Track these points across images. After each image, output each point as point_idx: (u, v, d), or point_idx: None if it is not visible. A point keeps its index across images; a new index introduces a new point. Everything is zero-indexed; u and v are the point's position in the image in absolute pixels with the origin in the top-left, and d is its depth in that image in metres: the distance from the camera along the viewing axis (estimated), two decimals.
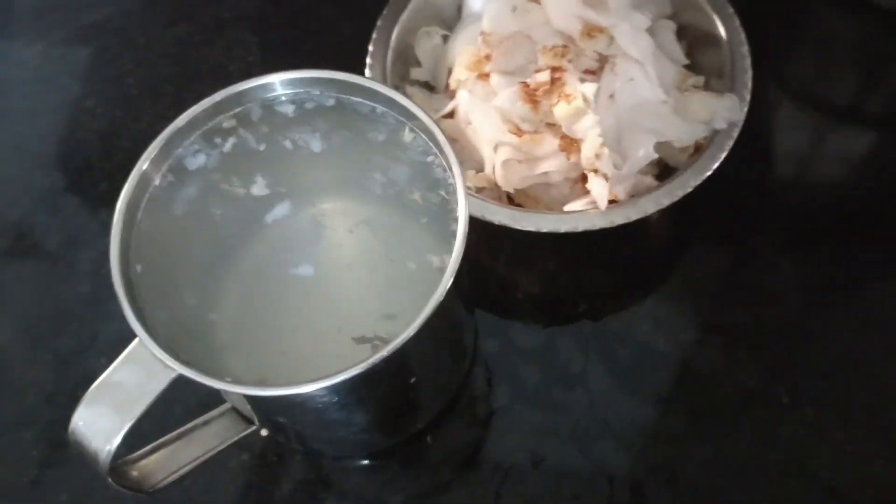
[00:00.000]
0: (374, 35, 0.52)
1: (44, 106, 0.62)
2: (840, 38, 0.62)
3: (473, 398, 0.51)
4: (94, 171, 0.59)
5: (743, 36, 0.51)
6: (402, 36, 0.53)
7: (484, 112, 0.48)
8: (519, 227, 0.45)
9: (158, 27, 0.65)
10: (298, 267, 0.42)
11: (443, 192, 0.41)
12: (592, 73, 0.47)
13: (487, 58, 0.48)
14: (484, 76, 0.48)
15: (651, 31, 0.50)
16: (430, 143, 0.41)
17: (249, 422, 0.45)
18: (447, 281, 0.36)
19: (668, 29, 0.53)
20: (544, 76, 0.46)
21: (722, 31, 0.51)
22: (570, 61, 0.46)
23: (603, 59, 0.49)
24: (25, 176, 0.59)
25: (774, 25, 0.61)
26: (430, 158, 0.41)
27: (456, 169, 0.39)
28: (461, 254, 0.37)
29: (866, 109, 0.61)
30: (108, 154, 0.60)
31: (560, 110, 0.44)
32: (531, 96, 0.46)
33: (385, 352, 0.35)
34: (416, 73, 0.54)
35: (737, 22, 0.51)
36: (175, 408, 0.48)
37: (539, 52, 0.47)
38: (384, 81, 0.50)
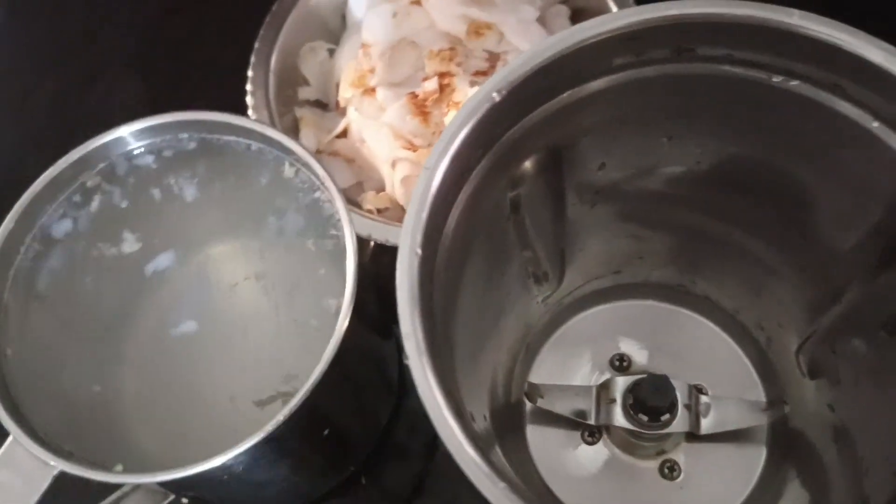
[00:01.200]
0: (253, 58, 0.49)
1: None
2: None
3: (410, 430, 0.49)
4: None
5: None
6: (283, 56, 0.50)
7: (375, 130, 0.45)
8: None
9: (28, 83, 0.61)
10: (185, 326, 0.39)
11: (335, 231, 0.38)
12: (484, 74, 0.44)
13: (371, 71, 0.45)
14: (370, 91, 0.45)
15: (542, 21, 0.48)
16: (313, 177, 0.38)
17: (165, 493, 0.42)
18: (341, 327, 0.34)
19: (562, 16, 0.50)
20: (432, 84, 0.43)
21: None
22: (458, 64, 0.43)
23: (494, 58, 0.46)
24: None
25: None
26: (317, 194, 0.38)
27: (340, 204, 0.36)
28: (353, 297, 0.34)
29: None
30: None
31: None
32: (421, 108, 0.43)
33: (279, 417, 0.32)
34: (304, 93, 0.51)
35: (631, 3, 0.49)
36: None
37: (425, 58, 0.44)
38: (268, 106, 0.47)
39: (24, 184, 0.56)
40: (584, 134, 0.33)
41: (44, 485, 0.33)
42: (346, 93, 0.46)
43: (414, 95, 0.44)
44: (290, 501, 0.46)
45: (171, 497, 0.42)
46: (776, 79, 0.30)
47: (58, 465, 0.33)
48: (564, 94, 0.31)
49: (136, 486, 0.42)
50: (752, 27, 0.28)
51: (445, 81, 0.44)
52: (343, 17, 0.53)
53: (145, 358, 0.40)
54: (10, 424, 0.33)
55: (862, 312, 0.34)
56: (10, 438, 0.34)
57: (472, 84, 0.44)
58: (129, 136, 0.39)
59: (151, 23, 0.62)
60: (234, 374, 0.38)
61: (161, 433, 0.38)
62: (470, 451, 0.24)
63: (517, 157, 0.31)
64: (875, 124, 0.29)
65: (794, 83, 0.30)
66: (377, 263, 0.43)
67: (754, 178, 0.35)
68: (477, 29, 0.46)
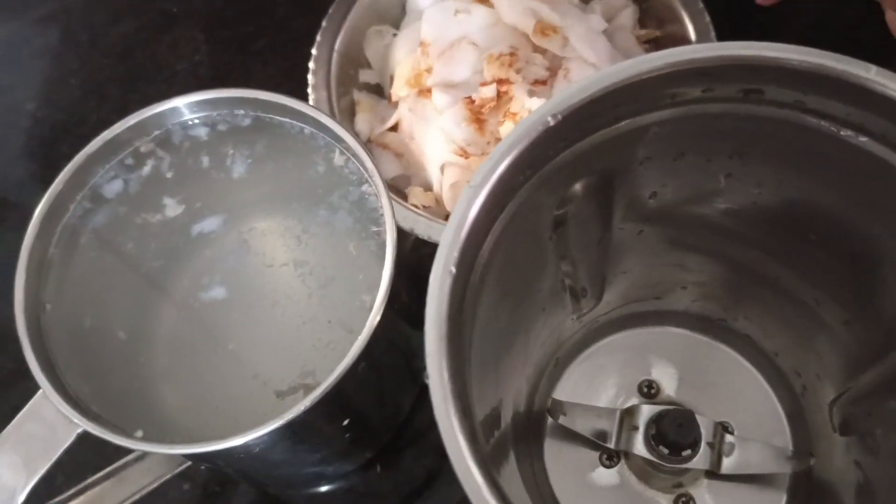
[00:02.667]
0: (319, 38, 0.48)
1: None
2: (830, 26, 0.58)
3: (428, 423, 0.49)
4: (37, 181, 0.56)
5: (713, 34, 0.47)
6: (349, 36, 0.49)
7: (428, 132, 0.44)
8: None
9: (103, 23, 0.61)
10: (215, 291, 0.40)
11: (376, 228, 0.38)
12: (543, 84, 0.43)
13: (428, 71, 0.44)
14: (426, 91, 0.44)
15: (608, 34, 0.47)
16: (362, 169, 0.38)
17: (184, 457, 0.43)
18: (372, 323, 0.34)
19: (626, 30, 0.49)
20: (490, 91, 0.42)
21: (691, 31, 0.47)
22: (518, 71, 0.42)
23: (554, 67, 0.45)
24: None
25: (760, 15, 0.57)
26: (364, 187, 0.38)
27: (385, 201, 0.36)
28: (387, 295, 0.34)
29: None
30: (51, 163, 0.56)
31: (507, 131, 0.41)
32: (477, 114, 0.42)
33: (300, 407, 0.32)
34: (365, 76, 0.50)
35: (707, 18, 0.47)
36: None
37: (485, 61, 0.43)
38: (328, 86, 0.47)
39: (83, 131, 0.58)
40: (640, 162, 0.32)
41: (68, 440, 0.34)
42: (400, 90, 0.46)
43: (471, 101, 0.44)
44: (304, 482, 0.46)
45: (188, 463, 0.43)
46: (845, 132, 0.29)
47: (82, 424, 0.33)
48: (623, 123, 0.30)
49: None
50: (827, 78, 0.27)
51: (504, 89, 0.43)
52: (403, 7, 0.52)
53: (175, 319, 0.40)
54: (41, 379, 0.34)
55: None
56: (39, 392, 0.35)
57: (531, 94, 0.43)
58: (185, 107, 0.39)
59: None
60: (258, 352, 0.39)
61: (184, 399, 0.39)
62: (478, 477, 0.24)
63: (567, 179, 0.31)
64: None
65: (864, 139, 0.29)
66: (416, 252, 0.43)
67: (814, 226, 0.34)
68: (543, 29, 0.45)
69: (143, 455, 0.42)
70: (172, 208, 0.40)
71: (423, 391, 0.48)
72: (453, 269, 0.25)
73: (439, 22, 0.44)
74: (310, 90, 0.46)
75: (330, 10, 0.50)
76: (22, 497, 0.34)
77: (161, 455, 0.42)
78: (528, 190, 0.29)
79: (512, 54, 0.43)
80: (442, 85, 0.43)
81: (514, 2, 0.45)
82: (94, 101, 0.59)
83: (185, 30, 0.60)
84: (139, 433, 0.35)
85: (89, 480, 0.41)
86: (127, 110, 0.57)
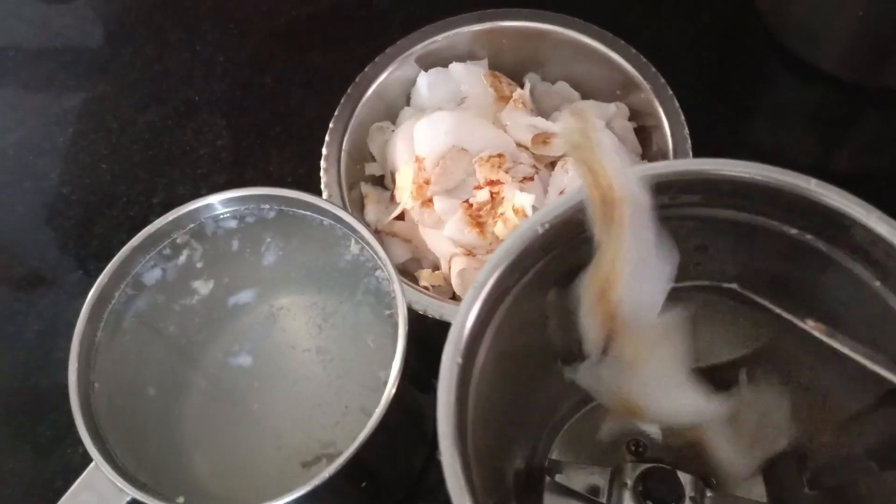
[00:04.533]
0: (328, 137, 0.54)
1: (22, 194, 0.64)
2: (794, 105, 0.63)
3: (437, 480, 0.52)
4: (70, 260, 0.61)
5: (682, 117, 0.52)
6: (355, 132, 0.54)
7: (434, 236, 0.49)
8: None
9: (131, 111, 0.67)
10: (242, 359, 0.44)
11: (389, 311, 0.42)
12: (530, 180, 0.48)
13: (427, 182, 0.49)
14: (428, 202, 0.49)
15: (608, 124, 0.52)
16: (375, 257, 0.43)
17: None
18: (388, 395, 0.38)
19: (623, 119, 0.54)
20: (484, 195, 0.47)
21: (662, 116, 0.52)
22: (507, 171, 0.48)
23: (540, 161, 0.50)
24: (4, 265, 0.61)
25: (727, 96, 0.63)
26: (377, 273, 0.43)
27: (396, 287, 0.40)
28: (400, 372, 0.39)
29: (828, 170, 0.62)
30: (84, 242, 0.61)
31: (500, 231, 0.46)
32: (476, 218, 0.47)
33: (325, 474, 0.37)
34: (370, 168, 0.56)
35: (676, 104, 0.52)
36: None
37: (476, 164, 0.48)
38: (339, 182, 0.52)
39: (113, 212, 0.62)
40: None
41: None
42: (406, 202, 0.50)
43: (469, 205, 0.48)
44: None
45: None
46: (792, 230, 0.34)
47: (131, 492, 0.38)
48: None
49: None
50: (773, 189, 0.32)
51: (495, 189, 0.48)
52: (407, 100, 0.58)
53: (206, 386, 0.44)
54: (93, 452, 0.38)
55: (855, 444, 0.37)
56: (92, 464, 0.39)
57: (522, 190, 0.48)
58: (218, 203, 0.44)
59: (243, 71, 0.68)
60: (280, 424, 0.43)
61: (214, 467, 0.43)
62: None
63: (559, 268, 0.35)
64: (877, 284, 0.32)
65: (809, 237, 0.33)
66: (424, 324, 0.47)
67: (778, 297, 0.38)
68: (544, 139, 0.50)
69: None
70: (206, 287, 0.45)
71: (433, 449, 0.52)
72: (460, 361, 0.30)
73: (430, 137, 0.49)
74: (323, 187, 0.51)
75: (336, 112, 0.55)
76: None
77: None
78: (521, 287, 0.34)
79: (500, 156, 0.48)
80: (441, 192, 0.48)
81: (517, 120, 0.51)
82: (123, 184, 0.64)
83: (207, 116, 0.66)
84: (181, 499, 0.39)
85: None
86: (155, 192, 0.63)
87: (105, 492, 0.38)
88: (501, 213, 0.46)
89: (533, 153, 0.51)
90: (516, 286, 0.33)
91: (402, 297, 0.40)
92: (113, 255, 0.56)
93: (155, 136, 0.66)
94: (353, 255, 0.44)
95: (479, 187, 0.48)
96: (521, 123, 0.50)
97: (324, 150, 0.53)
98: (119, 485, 0.38)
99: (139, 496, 0.37)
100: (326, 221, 0.44)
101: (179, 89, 0.67)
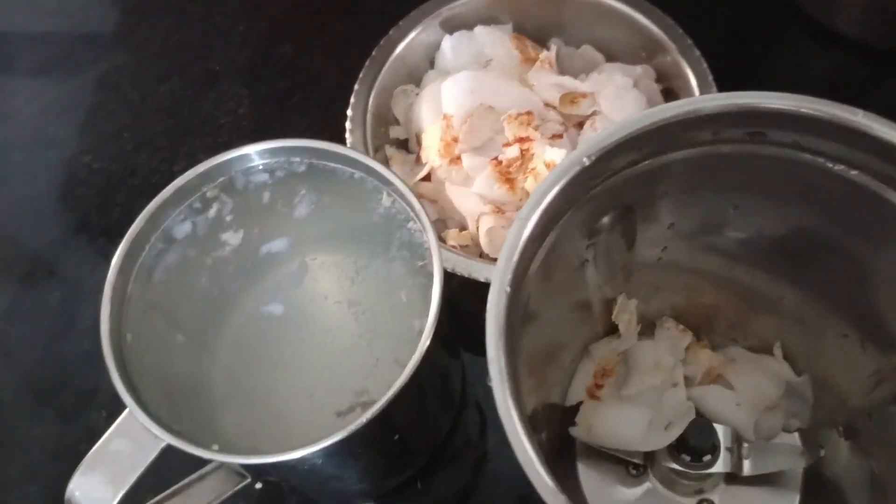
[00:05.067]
0: (353, 99, 0.53)
1: (43, 164, 0.64)
2: (811, 70, 0.63)
3: (465, 442, 0.52)
4: (93, 228, 0.61)
5: (710, 77, 0.51)
6: (379, 96, 0.54)
7: (462, 194, 0.49)
8: None
9: (152, 82, 0.66)
10: (274, 307, 0.43)
11: (422, 262, 0.42)
12: (560, 137, 0.48)
13: (455, 140, 0.49)
14: (456, 160, 0.49)
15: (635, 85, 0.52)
16: (408, 208, 0.42)
17: (243, 476, 0.47)
18: (423, 346, 0.38)
19: (649, 80, 0.54)
20: (514, 151, 0.47)
21: (690, 76, 0.52)
22: (535, 128, 0.47)
23: (568, 120, 0.50)
24: (26, 235, 0.61)
25: (746, 61, 0.63)
26: (410, 225, 0.43)
27: (431, 236, 0.40)
28: (436, 321, 0.38)
29: None
30: (106, 210, 0.61)
31: (531, 185, 0.46)
32: (505, 175, 0.47)
33: (362, 419, 0.36)
34: (394, 132, 0.55)
35: (704, 65, 0.52)
36: (173, 460, 0.49)
37: (504, 122, 0.48)
38: (365, 144, 0.51)
39: (134, 181, 0.62)
40: (660, 197, 0.36)
41: (153, 454, 0.37)
42: (433, 160, 0.50)
43: (498, 162, 0.48)
44: (352, 497, 0.50)
45: (248, 480, 0.47)
46: (838, 167, 0.33)
47: (166, 438, 0.37)
48: (645, 162, 0.34)
49: (219, 467, 0.47)
50: (820, 121, 0.32)
51: (525, 146, 0.47)
52: (430, 64, 0.57)
53: (237, 336, 0.44)
54: (127, 399, 0.38)
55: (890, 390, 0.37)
56: (125, 412, 0.38)
57: (551, 146, 0.47)
58: (250, 155, 0.43)
59: (262, 40, 0.67)
60: (311, 374, 0.42)
61: (246, 417, 0.43)
62: (539, 467, 0.28)
63: (597, 212, 0.35)
64: None
65: (854, 172, 0.33)
66: (449, 288, 0.47)
67: (813, 250, 0.38)
68: (572, 99, 0.50)
69: (206, 474, 0.46)
70: (236, 238, 0.45)
71: (459, 414, 0.52)
72: (508, 289, 0.30)
73: (457, 95, 0.49)
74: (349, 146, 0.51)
75: (361, 74, 0.54)
76: None
77: (224, 473, 0.46)
78: (566, 222, 0.33)
79: (529, 113, 0.48)
80: (469, 150, 0.48)
81: (544, 79, 0.51)
82: (144, 153, 0.63)
83: (227, 86, 0.65)
84: (215, 447, 0.39)
85: (158, 497, 0.44)
86: (176, 161, 0.63)
87: (140, 438, 0.38)
88: (532, 169, 0.46)
89: (561, 112, 0.50)
90: (562, 219, 0.33)
91: (436, 247, 0.40)
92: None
93: (176, 105, 0.65)
94: (385, 209, 0.43)
95: (507, 144, 0.47)
96: (549, 83, 0.50)
97: (349, 112, 0.52)
98: (154, 431, 0.37)
99: (175, 442, 0.37)
100: (358, 174, 0.44)
101: (199, 59, 0.67)
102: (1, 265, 0.61)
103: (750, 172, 0.35)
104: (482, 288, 0.53)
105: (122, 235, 0.59)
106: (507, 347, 0.29)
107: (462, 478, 0.51)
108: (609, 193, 0.35)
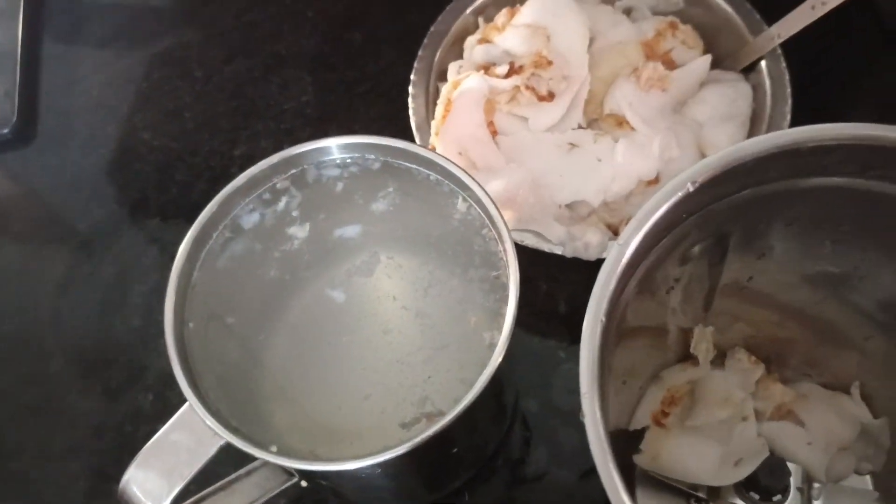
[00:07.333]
0: (413, 77, 0.55)
1: (103, 135, 0.63)
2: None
3: (511, 458, 0.51)
4: (149, 205, 0.60)
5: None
6: (439, 75, 0.55)
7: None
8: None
9: (217, 61, 0.65)
10: (336, 293, 0.42)
11: (495, 272, 0.40)
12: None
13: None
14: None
15: None
16: (483, 215, 0.41)
17: (290, 474, 0.46)
18: (496, 360, 0.36)
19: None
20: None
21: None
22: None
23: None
24: (82, 207, 0.61)
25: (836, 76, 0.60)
26: (484, 231, 0.41)
27: (508, 245, 0.39)
28: (510, 334, 0.37)
29: None
30: (163, 188, 0.60)
31: None
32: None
33: (430, 431, 0.35)
34: None
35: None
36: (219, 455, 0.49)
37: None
38: (426, 117, 0.52)
39: (194, 160, 0.61)
40: (759, 226, 0.35)
41: (211, 451, 0.36)
42: None
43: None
44: None
45: (295, 479, 0.46)
46: None
47: (225, 436, 0.36)
48: (747, 191, 0.33)
49: (264, 464, 0.46)
50: None
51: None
52: None
53: (296, 324, 0.42)
54: (188, 393, 0.37)
55: None
56: (186, 405, 0.37)
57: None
58: (330, 147, 0.42)
59: (332, 28, 0.66)
60: (368, 374, 0.41)
61: (294, 415, 0.41)
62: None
63: (692, 239, 0.34)
64: None
65: None
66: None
67: None
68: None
69: (253, 470, 0.45)
70: (303, 231, 0.43)
71: (511, 427, 0.51)
72: (603, 319, 0.28)
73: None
74: (414, 130, 0.52)
75: (420, 52, 0.56)
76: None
77: (270, 469, 0.45)
78: (661, 248, 0.32)
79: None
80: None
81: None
82: (205, 133, 0.63)
83: (293, 71, 0.64)
84: (274, 448, 0.38)
85: (206, 491, 0.43)
86: (237, 144, 0.62)
87: (199, 434, 0.37)
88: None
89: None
90: (657, 246, 0.31)
91: (514, 258, 0.38)
92: (191, 203, 0.56)
93: (239, 87, 0.64)
94: (461, 214, 0.42)
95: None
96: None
97: (410, 89, 0.54)
98: (214, 427, 0.36)
99: (235, 441, 0.36)
100: (434, 176, 0.42)
101: (267, 42, 0.66)
102: (56, 235, 0.60)
103: (856, 208, 0.34)
104: (543, 296, 0.53)
105: (178, 215, 0.59)
106: (601, 381, 0.27)
107: (507, 493, 0.50)
108: (706, 221, 0.33)
